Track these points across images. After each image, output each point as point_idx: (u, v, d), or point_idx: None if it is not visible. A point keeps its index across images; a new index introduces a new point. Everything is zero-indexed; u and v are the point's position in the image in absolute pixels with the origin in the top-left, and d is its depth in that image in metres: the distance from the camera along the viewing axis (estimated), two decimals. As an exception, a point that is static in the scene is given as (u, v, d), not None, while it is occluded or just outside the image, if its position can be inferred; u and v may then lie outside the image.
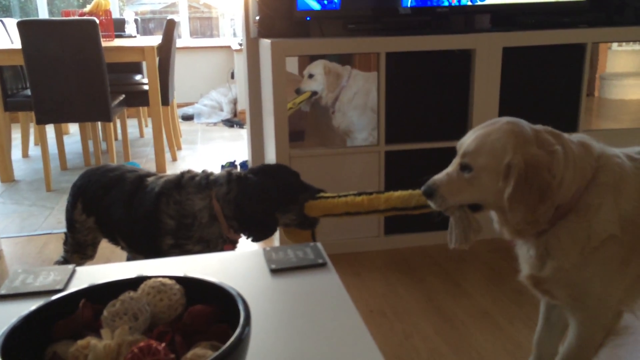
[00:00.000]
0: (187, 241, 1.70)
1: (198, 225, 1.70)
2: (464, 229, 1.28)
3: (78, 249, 1.94)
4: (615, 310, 1.29)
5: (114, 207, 1.81)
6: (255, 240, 1.75)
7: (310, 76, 2.44)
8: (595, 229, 1.20)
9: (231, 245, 1.76)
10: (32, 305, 0.75)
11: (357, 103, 2.49)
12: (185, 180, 1.74)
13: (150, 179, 1.81)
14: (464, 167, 1.26)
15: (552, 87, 2.62)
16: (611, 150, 1.27)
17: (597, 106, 2.81)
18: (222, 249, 1.74)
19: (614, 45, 2.75)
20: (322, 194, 1.68)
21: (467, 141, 1.27)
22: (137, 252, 1.85)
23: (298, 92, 2.46)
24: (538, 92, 2.61)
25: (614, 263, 1.23)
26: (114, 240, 1.91)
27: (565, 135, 1.25)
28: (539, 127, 1.25)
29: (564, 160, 1.18)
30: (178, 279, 0.81)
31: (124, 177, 1.84)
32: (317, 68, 2.44)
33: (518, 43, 2.52)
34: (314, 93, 2.45)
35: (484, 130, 1.25)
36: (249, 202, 1.66)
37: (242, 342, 0.67)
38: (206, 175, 1.75)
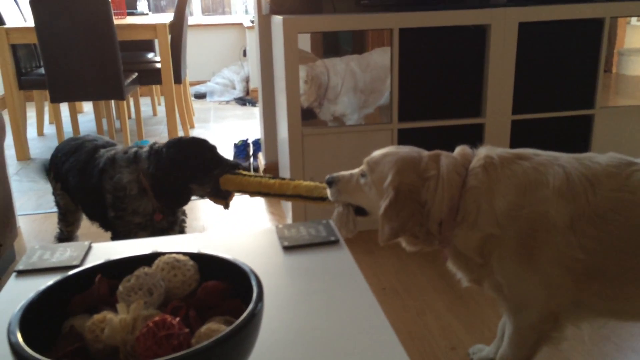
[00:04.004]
0: (123, 212, 1.83)
1: (129, 197, 1.81)
2: (340, 224, 1.40)
3: (61, 215, 2.16)
4: (544, 312, 1.28)
5: (70, 173, 1.96)
6: (170, 208, 1.88)
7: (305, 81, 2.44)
8: (476, 232, 1.25)
9: (161, 214, 1.88)
10: (49, 280, 0.77)
11: (347, 87, 2.47)
12: (119, 155, 1.86)
13: (102, 151, 1.92)
14: (363, 174, 1.37)
15: (569, 63, 2.58)
16: (484, 152, 1.30)
17: (614, 82, 2.76)
18: (154, 220, 1.88)
19: (633, 20, 2.69)
20: (240, 172, 1.79)
21: (376, 153, 1.38)
22: (91, 219, 2.02)
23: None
24: (554, 68, 2.57)
25: (511, 259, 1.24)
26: (75, 206, 2.09)
27: (445, 153, 1.33)
28: (430, 152, 1.33)
29: (435, 183, 1.27)
30: (192, 255, 0.82)
31: (83, 145, 1.99)
32: (302, 72, 2.41)
33: (534, 18, 2.48)
34: None
35: (389, 151, 1.36)
36: (162, 175, 1.77)
37: (255, 317, 0.67)
38: (135, 151, 1.86)
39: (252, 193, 1.77)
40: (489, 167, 1.26)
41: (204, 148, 1.80)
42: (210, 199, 1.88)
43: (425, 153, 1.34)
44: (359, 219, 1.41)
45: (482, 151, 1.31)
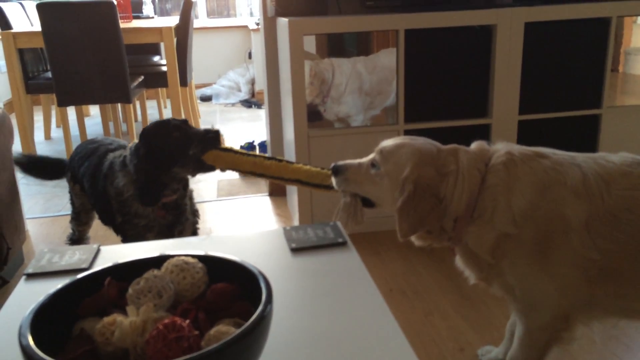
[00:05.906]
0: (129, 217, 1.80)
1: (129, 200, 1.78)
2: (348, 215, 1.34)
3: (75, 215, 2.19)
4: (557, 313, 1.27)
5: (85, 178, 1.96)
6: (144, 204, 1.78)
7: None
8: (491, 230, 1.23)
9: (163, 212, 1.82)
10: (59, 283, 0.77)
11: (352, 88, 2.47)
12: (115, 160, 1.83)
13: (109, 156, 1.89)
14: (374, 164, 1.32)
15: (576, 63, 2.57)
16: (505, 149, 1.28)
17: (621, 82, 2.74)
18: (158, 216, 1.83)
19: (640, 19, 2.68)
20: (232, 148, 1.70)
21: (389, 143, 1.33)
22: (105, 223, 1.99)
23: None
24: (561, 68, 2.56)
25: (524, 260, 1.24)
26: (92, 208, 2.07)
27: (463, 148, 1.30)
28: (447, 146, 1.30)
29: (454, 179, 1.24)
30: (200, 258, 0.82)
31: (97, 150, 1.97)
32: (306, 67, 2.39)
33: (540, 18, 2.47)
34: None
35: (403, 141, 1.31)
36: (140, 174, 1.71)
37: (264, 319, 0.68)
38: (124, 156, 1.80)
39: (245, 173, 1.67)
40: (510, 165, 1.24)
41: (170, 129, 1.68)
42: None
43: (441, 146, 1.31)
44: (366, 210, 1.36)
45: (502, 147, 1.29)
